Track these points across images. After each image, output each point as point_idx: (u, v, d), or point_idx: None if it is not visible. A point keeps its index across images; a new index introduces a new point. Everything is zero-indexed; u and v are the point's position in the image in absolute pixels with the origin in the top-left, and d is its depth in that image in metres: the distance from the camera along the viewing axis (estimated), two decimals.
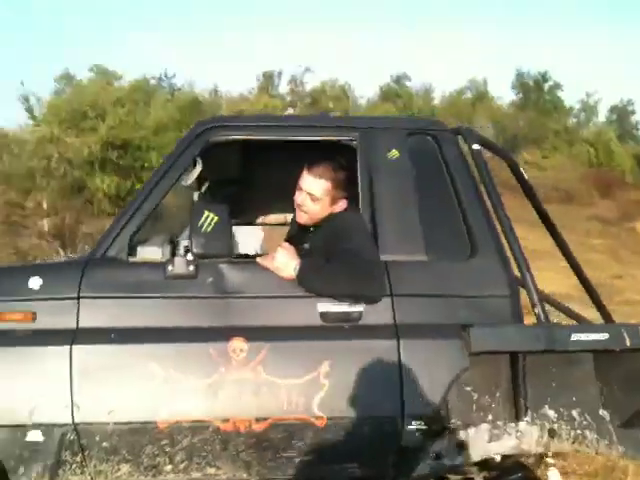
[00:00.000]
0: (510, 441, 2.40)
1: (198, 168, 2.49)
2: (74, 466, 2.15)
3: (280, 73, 30.79)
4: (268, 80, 30.73)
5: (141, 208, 2.36)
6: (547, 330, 2.23)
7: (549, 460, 2.57)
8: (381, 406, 2.20)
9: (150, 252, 2.37)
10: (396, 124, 2.69)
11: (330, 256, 2.33)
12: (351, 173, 2.52)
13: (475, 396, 2.46)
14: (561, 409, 2.48)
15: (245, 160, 3.27)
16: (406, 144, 2.54)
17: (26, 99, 15.86)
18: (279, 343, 2.20)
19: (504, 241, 2.48)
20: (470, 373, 2.38)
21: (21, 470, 2.14)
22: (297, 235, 2.77)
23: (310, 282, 2.29)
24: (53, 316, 2.21)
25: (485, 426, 2.42)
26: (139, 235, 2.41)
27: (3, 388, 2.13)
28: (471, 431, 2.40)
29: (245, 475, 2.17)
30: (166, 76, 22.54)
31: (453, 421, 2.42)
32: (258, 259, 2.40)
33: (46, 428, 2.12)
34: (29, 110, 15.95)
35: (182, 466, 2.15)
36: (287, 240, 2.73)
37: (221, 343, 2.17)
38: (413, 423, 2.19)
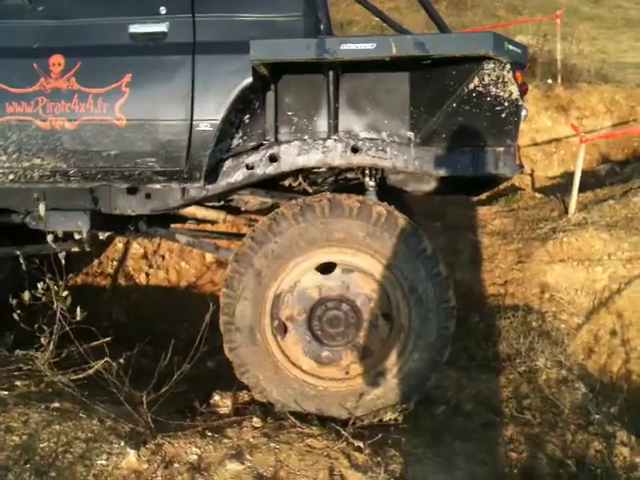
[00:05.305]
0: (317, 155, 2.65)
1: None
2: None
3: None
4: None
5: None
6: (318, 40, 2.34)
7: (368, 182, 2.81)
8: (174, 111, 2.53)
9: None
10: None
11: None
12: None
13: (294, 118, 2.70)
14: (371, 130, 2.67)
15: None
16: None
17: None
18: (90, 59, 2.55)
19: None
20: (288, 91, 2.65)
21: None
22: None
23: None
24: None
25: (297, 142, 2.66)
26: None
27: None
28: (282, 146, 2.66)
29: (65, 166, 2.61)
30: None
31: (268, 138, 2.69)
32: None
33: None
34: None
35: (14, 157, 2.62)
36: None
37: (43, 59, 2.55)
38: (201, 125, 2.48)
